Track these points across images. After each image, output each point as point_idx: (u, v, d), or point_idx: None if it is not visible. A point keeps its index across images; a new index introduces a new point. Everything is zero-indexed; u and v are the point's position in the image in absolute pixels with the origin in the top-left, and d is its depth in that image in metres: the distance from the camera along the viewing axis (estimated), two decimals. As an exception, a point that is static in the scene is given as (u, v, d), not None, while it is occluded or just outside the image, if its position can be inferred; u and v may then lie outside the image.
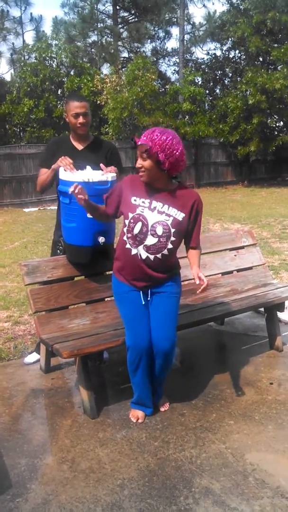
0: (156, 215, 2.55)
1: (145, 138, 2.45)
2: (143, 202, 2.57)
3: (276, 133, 18.71)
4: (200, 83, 20.16)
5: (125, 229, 2.61)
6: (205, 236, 4.18)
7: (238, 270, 3.94)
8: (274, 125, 18.90)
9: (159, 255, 2.58)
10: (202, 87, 19.15)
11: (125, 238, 2.62)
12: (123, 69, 19.14)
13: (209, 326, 4.16)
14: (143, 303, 2.69)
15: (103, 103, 16.72)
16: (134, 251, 2.60)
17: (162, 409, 2.88)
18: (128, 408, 2.88)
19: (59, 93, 18.11)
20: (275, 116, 18.32)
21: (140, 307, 2.69)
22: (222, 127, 18.11)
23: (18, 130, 18.14)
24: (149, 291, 2.70)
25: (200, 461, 2.43)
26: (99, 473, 2.35)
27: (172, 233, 2.56)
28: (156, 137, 2.43)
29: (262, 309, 3.87)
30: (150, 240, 2.55)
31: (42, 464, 2.43)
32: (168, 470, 2.37)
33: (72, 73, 18.20)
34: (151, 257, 2.58)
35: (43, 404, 3.03)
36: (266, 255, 6.13)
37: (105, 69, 21.42)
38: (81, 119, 3.14)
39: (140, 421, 2.78)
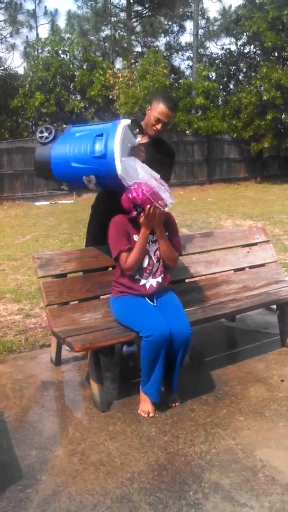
0: (152, 245, 2.92)
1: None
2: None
3: (290, 129, 18.56)
4: (214, 78, 20.03)
5: None
6: (217, 232, 4.17)
7: (250, 267, 3.92)
8: (288, 121, 18.76)
9: (163, 274, 2.96)
10: (216, 82, 19.03)
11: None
12: (136, 64, 19.08)
13: (220, 322, 4.15)
14: (151, 304, 2.91)
15: (115, 97, 16.71)
16: (143, 282, 2.91)
17: (173, 405, 2.88)
18: (138, 402, 2.89)
19: (71, 87, 18.12)
20: (289, 112, 18.18)
21: (149, 305, 2.89)
22: (236, 122, 18.01)
23: (31, 123, 18.20)
24: (153, 297, 2.95)
25: (210, 456, 2.43)
26: (109, 466, 2.37)
27: None
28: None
29: (274, 306, 3.85)
30: (156, 266, 2.93)
31: (52, 456, 2.45)
32: (177, 464, 2.37)
33: (84, 67, 18.19)
34: (159, 279, 2.94)
35: (53, 396, 3.05)
36: (278, 252, 6.09)
37: (118, 64, 21.39)
38: (160, 126, 3.11)
39: (151, 415, 2.78)
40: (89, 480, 2.27)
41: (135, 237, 2.86)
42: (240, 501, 2.13)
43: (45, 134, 2.87)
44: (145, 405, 2.80)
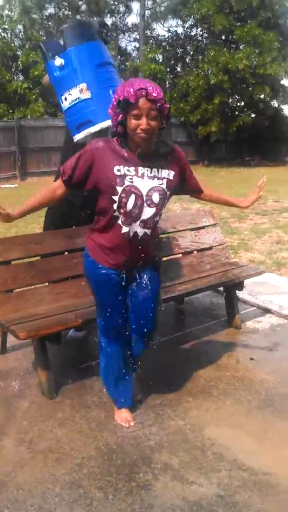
0: (148, 181, 2.21)
1: (152, 90, 2.03)
2: (128, 170, 2.18)
3: (237, 113, 18.82)
4: (160, 60, 19.94)
5: (114, 206, 2.19)
6: (165, 216, 4.16)
7: (198, 250, 3.95)
8: (235, 105, 19.00)
9: (155, 226, 2.32)
10: (163, 65, 18.96)
11: (115, 214, 2.21)
12: (83, 44, 18.65)
13: (169, 305, 4.18)
14: (123, 283, 2.39)
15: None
16: (125, 229, 2.24)
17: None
18: (87, 387, 2.88)
19: (13, 67, 17.49)
20: (236, 96, 18.40)
21: (118, 289, 2.39)
22: (183, 106, 18.04)
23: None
24: (134, 271, 2.40)
25: (160, 437, 2.45)
26: (58, 453, 2.34)
27: (167, 197, 2.29)
28: (160, 89, 2.07)
29: (221, 288, 3.92)
30: (147, 213, 2.23)
31: (-1, 446, 2.40)
32: (127, 447, 2.38)
33: (27, 46, 17.61)
34: (148, 231, 2.28)
35: None
36: (225, 235, 6.20)
37: (64, 43, 20.79)
38: None
39: (132, 424, 2.54)
40: (37, 468, 2.24)
41: (117, 170, 2.17)
42: (189, 480, 2.17)
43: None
44: (121, 411, 2.60)
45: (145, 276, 2.42)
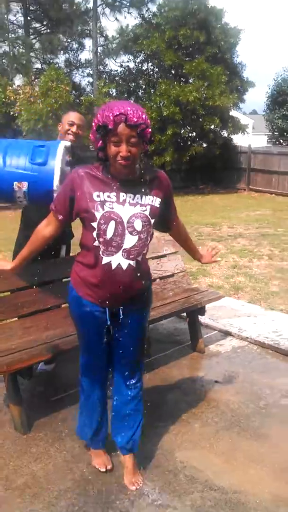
0: (129, 208, 2.07)
1: (132, 115, 1.93)
2: (108, 196, 2.06)
3: (189, 143, 19.45)
4: (114, 94, 20.46)
5: (94, 234, 2.06)
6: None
7: (160, 278, 4.09)
8: (187, 136, 19.64)
9: (139, 258, 2.14)
10: (117, 98, 19.44)
11: (95, 244, 2.08)
12: (37, 80, 18.94)
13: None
14: (108, 323, 2.22)
15: (16, 114, 16.44)
16: (106, 260, 2.08)
17: (132, 487, 2.36)
18: (59, 420, 2.91)
19: None
20: (188, 127, 19.05)
21: (102, 328, 2.24)
22: (138, 137, 18.47)
23: None
24: (119, 309, 2.21)
25: (133, 464, 2.52)
26: (35, 488, 2.36)
27: (152, 225, 2.14)
28: (141, 112, 1.96)
29: (184, 314, 4.05)
30: (130, 241, 2.07)
31: (-26, 485, 2.39)
32: (102, 477, 2.43)
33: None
34: (132, 263, 2.11)
35: (-29, 424, 2.96)
36: (185, 262, 6.38)
37: (18, 80, 21.06)
38: (75, 129, 3.15)
39: (109, 467, 2.47)
40: (15, 505, 2.25)
41: (97, 195, 2.05)
42: (164, 504, 2.25)
43: None
44: (98, 455, 2.54)
45: (129, 322, 2.25)
